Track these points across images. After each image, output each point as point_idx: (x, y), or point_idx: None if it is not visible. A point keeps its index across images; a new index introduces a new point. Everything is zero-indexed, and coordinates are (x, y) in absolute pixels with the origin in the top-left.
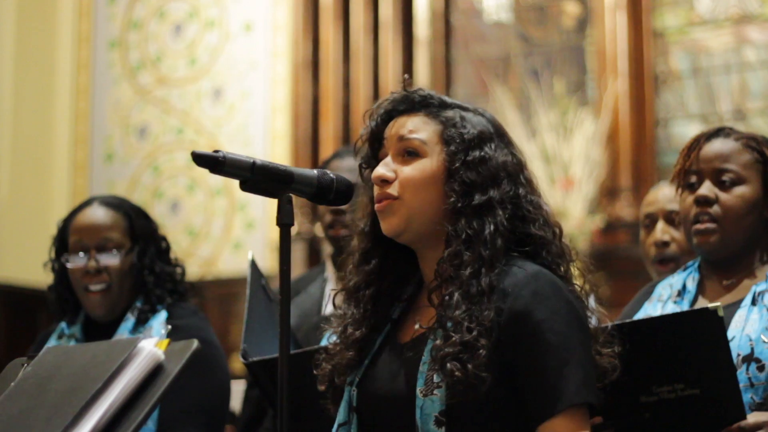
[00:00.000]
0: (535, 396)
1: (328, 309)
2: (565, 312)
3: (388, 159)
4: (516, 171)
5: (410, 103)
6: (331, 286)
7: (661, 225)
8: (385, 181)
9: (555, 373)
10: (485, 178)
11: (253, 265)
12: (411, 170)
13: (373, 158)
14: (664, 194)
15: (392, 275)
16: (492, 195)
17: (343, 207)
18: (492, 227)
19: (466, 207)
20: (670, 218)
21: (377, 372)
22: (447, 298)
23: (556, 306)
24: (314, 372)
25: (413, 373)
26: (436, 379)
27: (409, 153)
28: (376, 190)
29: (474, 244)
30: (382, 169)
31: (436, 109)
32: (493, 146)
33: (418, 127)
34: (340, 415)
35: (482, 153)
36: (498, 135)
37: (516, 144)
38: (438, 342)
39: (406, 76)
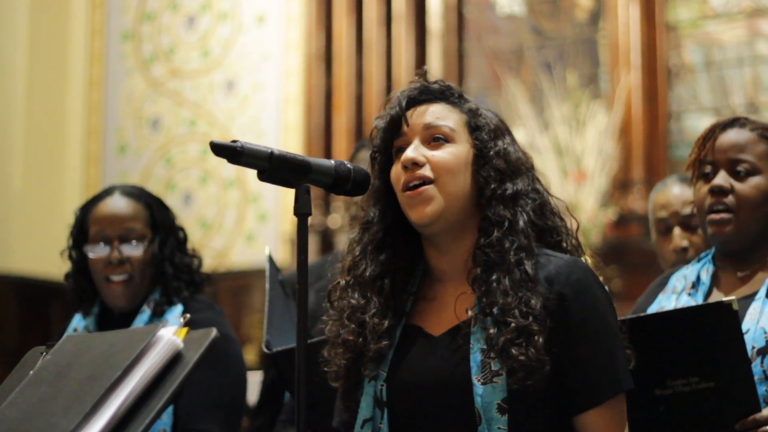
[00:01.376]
0: (587, 382)
1: None
2: (604, 299)
3: (416, 144)
4: (530, 167)
5: (431, 93)
6: None
7: (678, 231)
8: (415, 165)
9: (604, 361)
10: (512, 168)
11: (271, 260)
12: (443, 154)
13: (388, 147)
14: (675, 196)
15: (403, 267)
16: (519, 186)
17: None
18: (525, 217)
19: (503, 195)
20: (686, 223)
21: (409, 365)
22: (494, 284)
23: (598, 293)
24: (326, 369)
25: (463, 362)
26: (494, 366)
27: (437, 139)
28: (403, 176)
29: (513, 232)
30: (412, 153)
31: (456, 100)
32: (509, 140)
33: (444, 115)
34: (364, 411)
35: (505, 145)
36: (509, 133)
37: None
38: (492, 330)
39: (424, 67)
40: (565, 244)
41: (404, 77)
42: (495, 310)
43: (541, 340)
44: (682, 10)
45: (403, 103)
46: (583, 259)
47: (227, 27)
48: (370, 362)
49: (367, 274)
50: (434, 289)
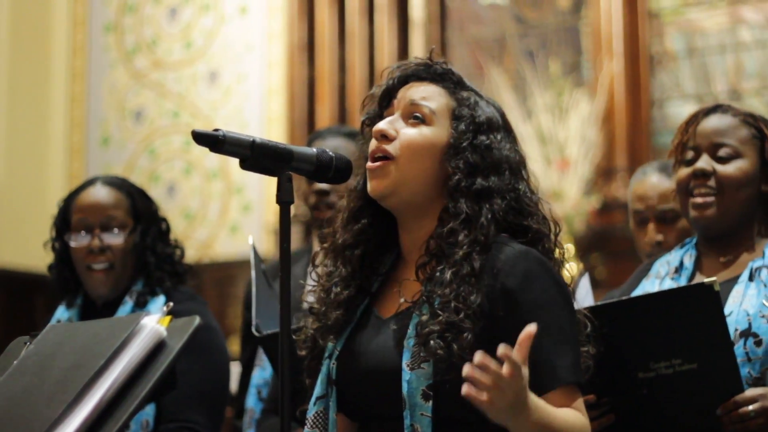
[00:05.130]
0: (528, 374)
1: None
2: (555, 292)
3: (394, 117)
4: (518, 167)
5: (431, 73)
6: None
7: (652, 226)
8: (384, 137)
9: (548, 352)
10: (488, 164)
11: (254, 249)
12: (414, 133)
13: (378, 117)
14: (653, 187)
15: (377, 239)
16: (492, 183)
17: (327, 187)
18: (489, 214)
19: (468, 188)
20: (662, 217)
21: (358, 346)
22: (438, 274)
23: (546, 285)
24: (294, 336)
25: (398, 347)
26: (423, 353)
27: (416, 118)
28: (374, 146)
29: (471, 226)
30: (384, 125)
31: (453, 86)
32: (499, 137)
33: (431, 96)
34: (318, 389)
35: (488, 140)
36: (505, 129)
37: (519, 142)
38: (424, 318)
39: (433, 47)
40: (542, 247)
41: (387, 66)
42: (434, 299)
43: (469, 337)
44: None
45: (397, 75)
46: (566, 265)
47: (209, 18)
48: (327, 330)
49: (340, 241)
50: (400, 271)
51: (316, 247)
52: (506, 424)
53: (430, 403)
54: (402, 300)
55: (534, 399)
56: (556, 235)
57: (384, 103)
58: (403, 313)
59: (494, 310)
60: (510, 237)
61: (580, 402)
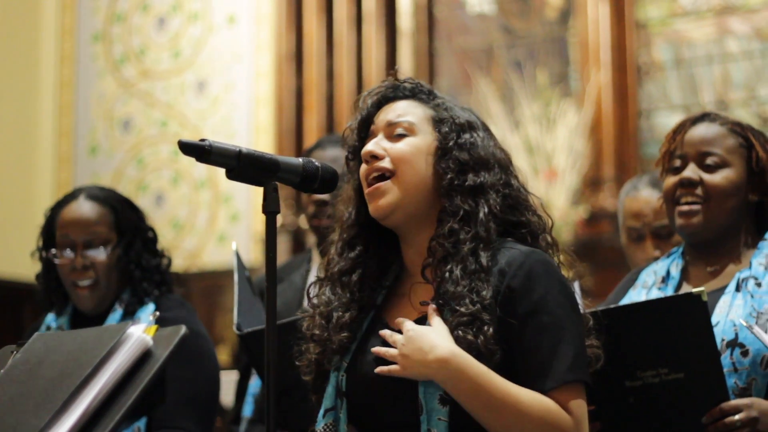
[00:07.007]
0: (528, 373)
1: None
2: (557, 292)
3: (378, 138)
4: (506, 162)
5: (399, 91)
6: (314, 274)
7: (650, 242)
8: (374, 158)
9: (547, 352)
10: (477, 161)
11: (237, 255)
12: (403, 145)
13: (360, 149)
14: (647, 203)
15: (375, 262)
16: (484, 178)
17: (326, 197)
18: (486, 209)
19: (461, 186)
20: (658, 233)
21: (368, 356)
22: (447, 274)
23: (550, 285)
24: (297, 363)
25: None
26: None
27: (398, 133)
28: (366, 169)
29: (470, 223)
30: (372, 146)
31: (425, 96)
32: (482, 135)
33: (407, 111)
34: (327, 401)
35: (473, 138)
36: (484, 128)
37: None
38: (448, 320)
39: (396, 67)
40: (539, 241)
41: (375, 76)
42: (449, 300)
43: (491, 330)
44: (651, 8)
45: (369, 103)
46: (555, 257)
47: (198, 27)
48: (332, 354)
49: (336, 269)
50: (406, 284)
51: (316, 256)
52: (436, 378)
53: (447, 408)
54: (432, 305)
55: (474, 365)
56: (551, 228)
57: (362, 133)
58: (417, 321)
59: (500, 307)
60: (514, 240)
61: (575, 403)
